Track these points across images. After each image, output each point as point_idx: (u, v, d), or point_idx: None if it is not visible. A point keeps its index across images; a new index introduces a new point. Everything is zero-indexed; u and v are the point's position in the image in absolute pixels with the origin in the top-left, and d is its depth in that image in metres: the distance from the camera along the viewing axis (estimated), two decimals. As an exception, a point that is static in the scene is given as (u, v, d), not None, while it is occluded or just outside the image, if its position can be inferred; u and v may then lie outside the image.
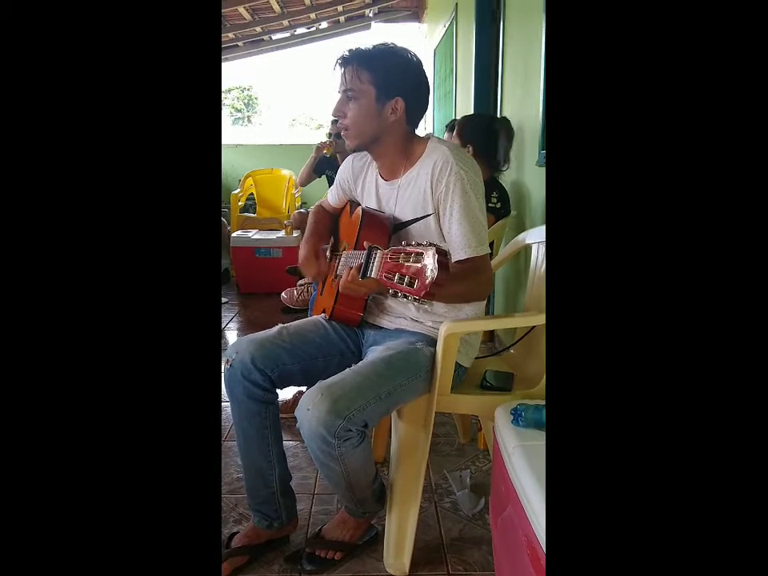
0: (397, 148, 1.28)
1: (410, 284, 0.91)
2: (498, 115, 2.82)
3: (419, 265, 0.90)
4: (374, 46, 1.25)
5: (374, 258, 1.03)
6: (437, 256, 0.88)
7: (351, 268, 1.10)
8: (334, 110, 1.26)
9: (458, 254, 1.22)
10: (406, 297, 0.93)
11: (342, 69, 1.24)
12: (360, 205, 1.41)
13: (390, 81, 1.22)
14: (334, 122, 3.50)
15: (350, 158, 1.45)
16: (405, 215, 1.30)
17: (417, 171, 1.27)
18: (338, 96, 1.26)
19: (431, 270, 0.89)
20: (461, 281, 1.19)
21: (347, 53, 1.24)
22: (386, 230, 1.28)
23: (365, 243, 1.08)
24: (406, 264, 0.92)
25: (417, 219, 1.28)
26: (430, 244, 0.91)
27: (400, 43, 1.27)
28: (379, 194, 1.36)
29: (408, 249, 0.93)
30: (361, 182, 1.41)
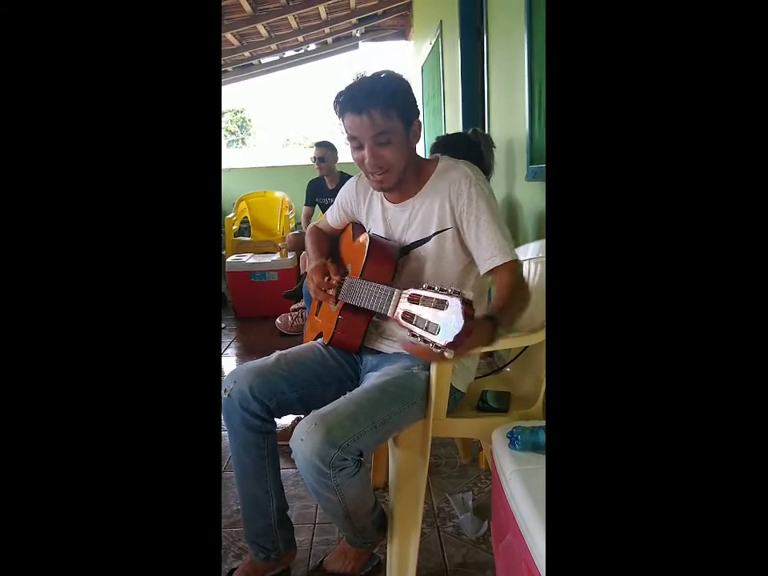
0: (412, 171, 1.26)
1: (434, 331, 0.86)
2: (486, 131, 2.84)
3: (442, 313, 0.86)
4: (381, 80, 1.17)
5: (392, 297, 1.01)
6: (463, 307, 0.84)
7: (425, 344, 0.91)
8: (370, 161, 1.17)
9: (493, 261, 1.16)
10: (424, 341, 0.88)
11: (360, 116, 1.14)
12: (363, 227, 1.39)
13: (409, 108, 1.19)
14: (318, 145, 3.50)
15: (352, 180, 1.43)
16: (417, 235, 1.27)
17: (431, 189, 1.25)
18: (359, 146, 1.17)
19: (457, 320, 0.84)
20: (513, 298, 1.12)
21: (361, 95, 1.14)
22: (393, 261, 1.26)
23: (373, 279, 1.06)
24: (428, 308, 0.88)
25: (431, 236, 1.25)
26: (455, 291, 0.86)
27: (386, 66, 1.26)
28: (387, 219, 1.33)
29: (430, 293, 0.89)
30: (366, 206, 1.39)
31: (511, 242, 1.19)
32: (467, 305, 0.85)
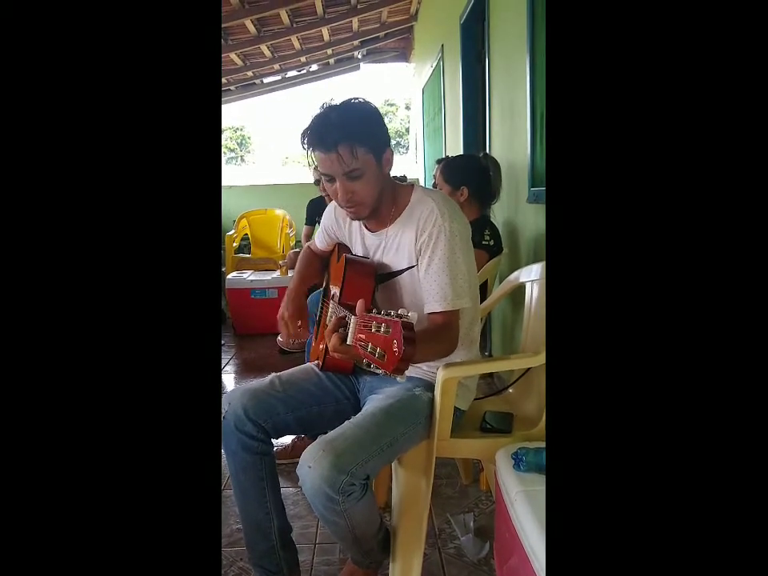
0: (387, 198, 1.27)
1: (381, 357, 0.89)
2: (488, 152, 2.87)
3: (387, 337, 0.88)
4: (347, 113, 1.15)
5: (350, 323, 1.01)
6: (403, 331, 0.86)
7: (334, 334, 1.03)
8: (342, 196, 1.17)
9: (432, 306, 1.20)
10: (377, 367, 0.91)
11: (327, 153, 1.13)
12: (346, 247, 1.42)
13: (379, 139, 1.18)
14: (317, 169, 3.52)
15: (331, 205, 1.45)
16: (394, 265, 1.29)
17: (404, 222, 1.26)
18: (331, 179, 1.18)
19: (397, 345, 0.86)
20: (432, 340, 1.15)
21: (328, 132, 1.12)
22: (371, 279, 1.27)
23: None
24: (376, 333, 0.90)
25: (403, 270, 1.28)
26: (398, 316, 0.89)
27: (353, 94, 1.22)
28: (366, 245, 1.36)
29: (378, 317, 0.91)
30: (347, 230, 1.41)
31: (460, 287, 1.20)
32: (407, 329, 0.86)
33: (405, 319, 0.87)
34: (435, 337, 1.17)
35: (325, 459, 1.03)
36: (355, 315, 0.97)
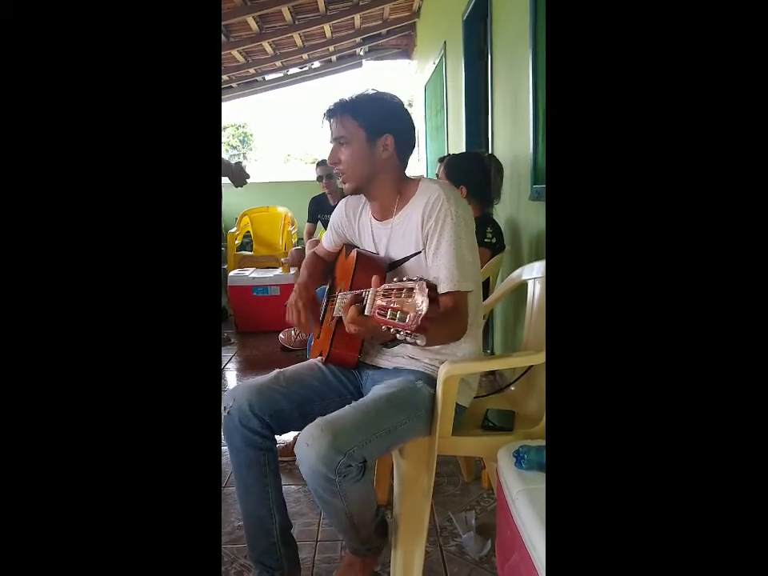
0: (391, 187, 1.31)
1: (402, 319, 0.91)
2: (490, 151, 2.86)
3: (410, 300, 0.90)
4: (356, 95, 1.30)
5: (368, 295, 1.03)
6: (426, 290, 0.88)
7: (351, 306, 1.06)
8: (329, 157, 1.31)
9: (440, 287, 1.20)
10: (398, 332, 0.92)
11: (330, 120, 1.29)
12: (355, 247, 1.43)
13: (376, 120, 1.27)
14: (321, 164, 3.51)
15: (342, 201, 1.47)
16: (399, 253, 1.31)
17: (410, 210, 1.29)
18: (330, 145, 1.30)
19: (421, 303, 0.88)
20: (442, 322, 1.14)
21: (333, 105, 1.29)
22: (382, 271, 1.28)
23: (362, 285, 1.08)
24: (398, 299, 0.92)
25: (410, 256, 1.29)
26: (420, 279, 0.91)
27: (381, 87, 1.33)
28: (374, 235, 1.37)
29: (399, 285, 0.94)
30: (357, 224, 1.43)
31: (466, 271, 1.22)
32: (431, 289, 0.89)
33: (428, 281, 0.90)
34: (445, 319, 1.18)
35: (323, 439, 1.04)
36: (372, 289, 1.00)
